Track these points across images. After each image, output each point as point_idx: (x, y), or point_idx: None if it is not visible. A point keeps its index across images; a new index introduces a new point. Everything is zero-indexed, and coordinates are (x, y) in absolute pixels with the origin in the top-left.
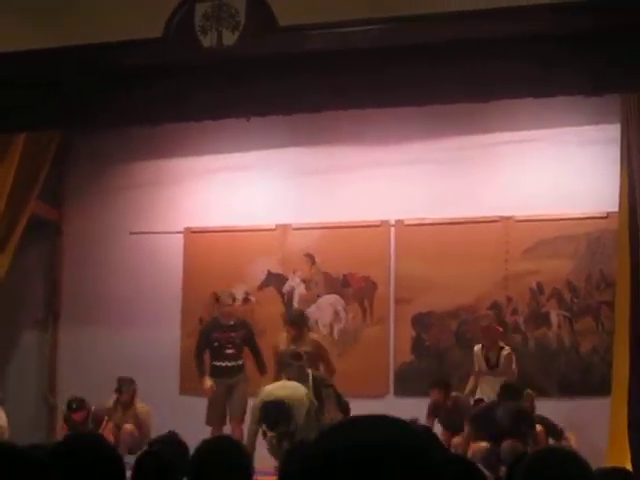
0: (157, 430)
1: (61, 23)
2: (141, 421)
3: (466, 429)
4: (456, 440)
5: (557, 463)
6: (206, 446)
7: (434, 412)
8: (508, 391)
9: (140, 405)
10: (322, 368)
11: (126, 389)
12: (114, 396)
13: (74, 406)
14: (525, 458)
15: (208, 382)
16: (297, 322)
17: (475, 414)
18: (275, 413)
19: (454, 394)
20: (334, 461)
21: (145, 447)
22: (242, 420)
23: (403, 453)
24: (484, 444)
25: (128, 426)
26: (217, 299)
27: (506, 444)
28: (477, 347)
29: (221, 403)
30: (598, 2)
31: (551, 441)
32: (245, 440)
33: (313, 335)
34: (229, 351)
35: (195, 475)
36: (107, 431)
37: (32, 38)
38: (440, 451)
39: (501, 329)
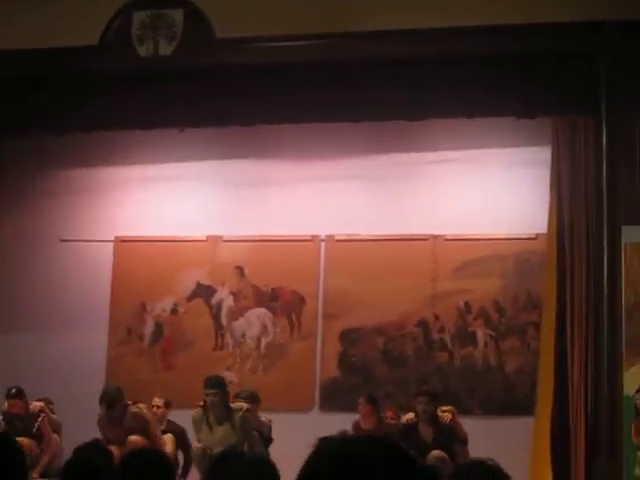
0: (81, 439)
1: None
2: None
3: None
4: None
5: (481, 477)
6: (132, 454)
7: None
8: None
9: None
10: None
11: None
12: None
13: (13, 391)
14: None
15: None
16: (109, 402)
17: (401, 432)
18: (215, 377)
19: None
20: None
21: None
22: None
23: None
24: None
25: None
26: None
27: (432, 454)
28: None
29: None
30: (531, 26)
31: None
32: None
33: (133, 408)
34: None
35: None
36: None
37: None
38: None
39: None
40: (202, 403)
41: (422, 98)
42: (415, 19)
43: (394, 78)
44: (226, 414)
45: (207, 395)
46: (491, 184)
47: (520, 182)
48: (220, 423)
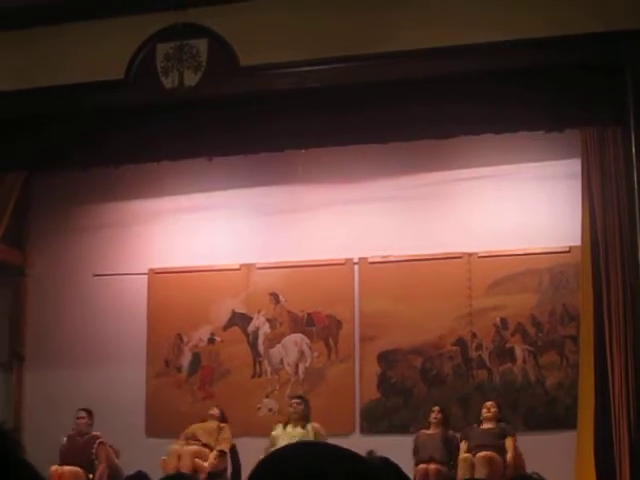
0: (124, 471)
1: (23, 65)
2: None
3: None
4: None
5: None
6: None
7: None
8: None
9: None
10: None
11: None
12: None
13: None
14: None
15: None
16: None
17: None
18: None
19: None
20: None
21: None
22: None
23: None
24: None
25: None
26: None
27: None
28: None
29: None
30: (555, 39)
31: None
32: None
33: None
34: None
35: None
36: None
37: None
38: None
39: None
40: None
41: (448, 116)
42: (439, 37)
43: (419, 97)
44: None
45: None
46: (523, 199)
47: (552, 195)
48: None
